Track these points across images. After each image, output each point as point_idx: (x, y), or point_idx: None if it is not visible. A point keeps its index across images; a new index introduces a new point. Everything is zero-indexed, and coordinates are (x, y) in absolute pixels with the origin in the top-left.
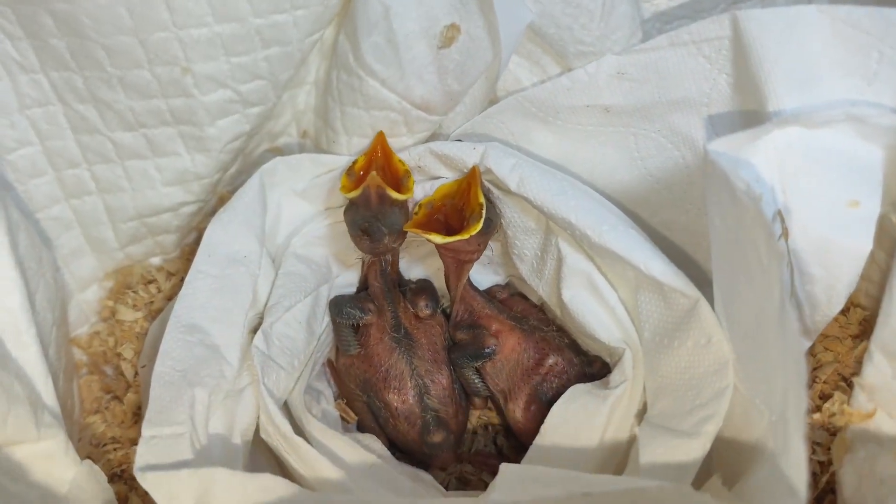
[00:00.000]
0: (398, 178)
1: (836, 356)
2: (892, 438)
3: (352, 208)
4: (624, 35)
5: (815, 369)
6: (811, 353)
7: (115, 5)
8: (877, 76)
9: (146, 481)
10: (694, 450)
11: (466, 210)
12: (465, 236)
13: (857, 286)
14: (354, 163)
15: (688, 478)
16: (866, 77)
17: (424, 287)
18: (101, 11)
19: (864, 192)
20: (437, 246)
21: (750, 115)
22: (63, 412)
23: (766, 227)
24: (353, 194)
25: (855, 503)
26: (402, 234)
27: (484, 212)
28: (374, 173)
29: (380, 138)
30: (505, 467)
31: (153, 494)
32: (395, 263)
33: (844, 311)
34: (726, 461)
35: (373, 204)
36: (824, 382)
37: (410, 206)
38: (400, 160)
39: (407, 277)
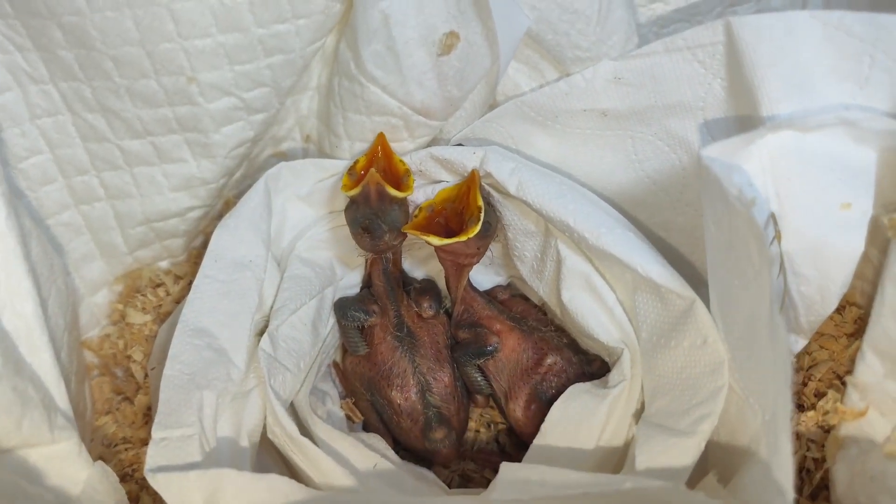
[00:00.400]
0: (398, 177)
1: (830, 354)
2: (883, 436)
3: (352, 206)
4: (620, 40)
5: (810, 367)
6: (806, 351)
7: (122, 18)
8: (868, 81)
9: (157, 482)
10: (690, 448)
11: (466, 213)
12: (463, 238)
13: (852, 285)
14: (356, 163)
15: (684, 476)
16: (858, 81)
17: (428, 287)
18: (108, 24)
19: (857, 195)
20: (437, 249)
21: (744, 119)
22: (75, 413)
23: (757, 233)
24: (354, 192)
25: (847, 499)
26: (403, 233)
27: (482, 215)
28: (373, 170)
29: (380, 139)
30: (505, 466)
31: (163, 495)
32: (397, 262)
33: (840, 310)
34: (721, 459)
35: (373, 201)
36: (819, 380)
37: (411, 209)
38: (400, 160)
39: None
